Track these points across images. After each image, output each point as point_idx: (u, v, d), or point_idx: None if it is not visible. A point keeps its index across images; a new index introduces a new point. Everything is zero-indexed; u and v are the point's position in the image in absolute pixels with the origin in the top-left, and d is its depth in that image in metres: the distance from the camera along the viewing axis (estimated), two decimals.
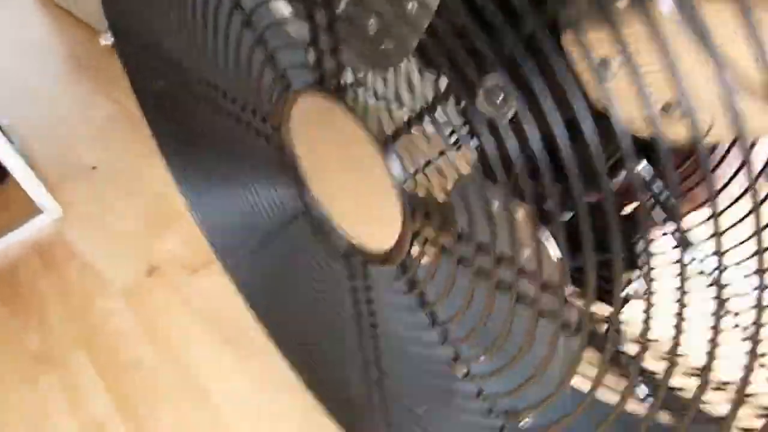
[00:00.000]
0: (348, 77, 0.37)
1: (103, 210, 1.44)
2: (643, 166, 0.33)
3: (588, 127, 0.22)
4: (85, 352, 1.11)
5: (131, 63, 0.75)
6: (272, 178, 0.52)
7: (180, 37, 0.55)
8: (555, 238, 0.29)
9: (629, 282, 0.32)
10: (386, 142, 0.36)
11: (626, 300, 0.31)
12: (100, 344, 1.12)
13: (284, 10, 0.42)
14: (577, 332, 0.29)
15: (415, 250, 0.39)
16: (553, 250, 0.30)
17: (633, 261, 0.31)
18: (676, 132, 0.21)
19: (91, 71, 1.97)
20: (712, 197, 0.25)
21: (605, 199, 0.23)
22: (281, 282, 0.63)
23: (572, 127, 0.23)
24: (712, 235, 0.22)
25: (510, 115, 0.28)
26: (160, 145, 0.81)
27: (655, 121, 0.21)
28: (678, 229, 0.33)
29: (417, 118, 0.33)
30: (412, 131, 0.34)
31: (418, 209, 0.37)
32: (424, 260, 0.40)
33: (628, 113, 0.21)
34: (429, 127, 0.33)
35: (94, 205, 1.47)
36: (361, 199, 0.43)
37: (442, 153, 0.34)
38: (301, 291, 0.58)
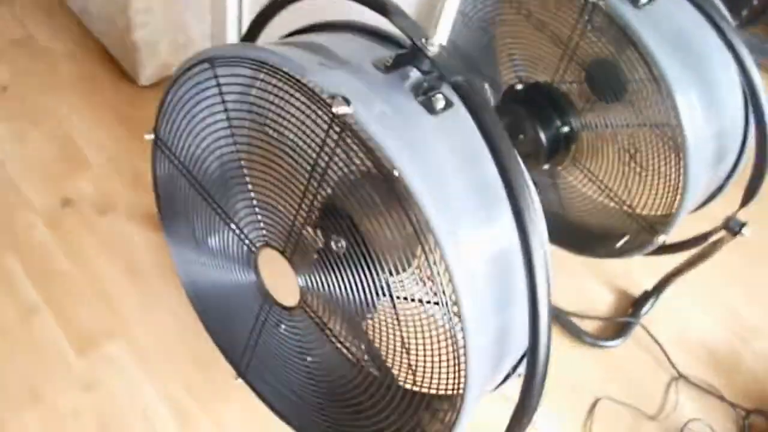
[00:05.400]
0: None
1: (18, 131, 1.76)
2: None
3: None
4: (13, 254, 1.51)
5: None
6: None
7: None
8: None
9: None
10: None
11: None
12: (25, 251, 1.53)
13: None
14: None
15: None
16: None
17: None
18: None
19: None
20: None
21: None
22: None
23: None
24: None
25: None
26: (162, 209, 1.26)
27: None
28: None
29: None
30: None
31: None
32: None
33: None
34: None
35: (7, 123, 1.77)
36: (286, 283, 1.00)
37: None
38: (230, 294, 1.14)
